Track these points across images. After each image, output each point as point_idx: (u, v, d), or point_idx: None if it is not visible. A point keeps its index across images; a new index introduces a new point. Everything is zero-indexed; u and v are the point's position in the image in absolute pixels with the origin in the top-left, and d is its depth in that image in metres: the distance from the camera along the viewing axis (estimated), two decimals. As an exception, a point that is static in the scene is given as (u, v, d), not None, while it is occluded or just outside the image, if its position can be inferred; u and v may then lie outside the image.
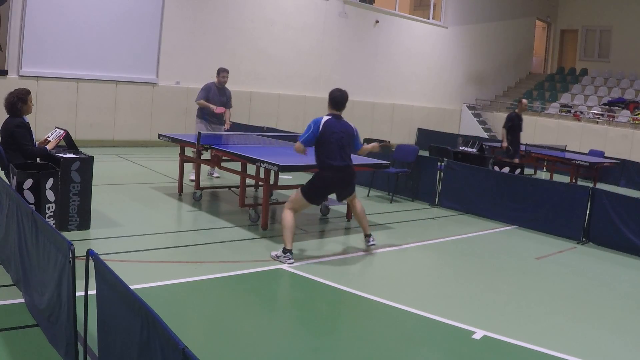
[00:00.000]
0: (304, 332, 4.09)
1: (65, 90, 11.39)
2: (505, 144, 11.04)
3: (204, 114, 8.93)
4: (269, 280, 5.08)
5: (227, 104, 9.12)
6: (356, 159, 7.63)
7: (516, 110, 11.18)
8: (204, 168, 9.10)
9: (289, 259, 5.43)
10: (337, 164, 5.62)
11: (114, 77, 12.03)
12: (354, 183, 6.02)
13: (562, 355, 3.88)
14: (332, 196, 7.87)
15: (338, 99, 5.82)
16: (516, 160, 10.70)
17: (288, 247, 5.46)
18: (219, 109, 8.82)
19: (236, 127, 12.61)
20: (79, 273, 2.90)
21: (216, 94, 8.92)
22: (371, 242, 6.05)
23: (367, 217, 6.15)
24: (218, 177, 9.42)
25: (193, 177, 8.61)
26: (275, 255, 5.51)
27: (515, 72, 23.30)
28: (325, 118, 5.70)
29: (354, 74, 16.95)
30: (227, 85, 9.14)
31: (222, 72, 8.99)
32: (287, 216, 5.59)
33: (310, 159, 7.60)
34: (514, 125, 10.98)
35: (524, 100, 11.67)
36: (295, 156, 7.46)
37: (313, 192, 5.71)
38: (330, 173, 5.65)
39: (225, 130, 9.06)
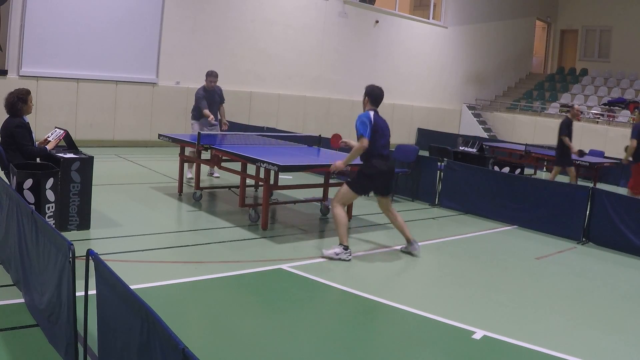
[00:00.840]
0: (304, 332, 4.09)
1: (65, 90, 11.39)
2: (575, 149, 10.25)
3: (197, 113, 8.97)
4: (269, 280, 5.08)
5: (220, 101, 9.20)
6: (357, 159, 7.64)
7: (568, 116, 10.29)
8: (204, 168, 9.10)
9: (349, 254, 5.60)
10: (386, 153, 5.80)
11: (114, 77, 12.03)
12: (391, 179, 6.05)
13: (562, 355, 3.87)
14: (332, 196, 7.88)
15: (378, 96, 5.96)
16: (572, 169, 10.11)
17: (345, 244, 5.62)
18: (211, 117, 8.84)
19: (236, 127, 12.62)
20: (79, 273, 2.90)
21: (210, 98, 8.97)
22: (416, 248, 6.06)
23: (406, 225, 6.16)
24: (218, 177, 9.42)
25: (190, 175, 8.62)
26: (334, 252, 5.61)
27: (515, 72, 23.30)
28: (372, 113, 5.82)
29: (354, 74, 16.95)
30: (226, 86, 9.16)
31: (210, 77, 8.98)
32: (339, 212, 5.72)
33: (310, 158, 7.61)
34: (569, 132, 10.14)
35: (577, 107, 10.78)
36: (295, 156, 7.48)
37: (362, 183, 5.81)
38: (380, 161, 5.74)
39: (222, 131, 9.09)
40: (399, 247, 6.43)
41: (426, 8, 19.72)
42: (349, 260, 5.62)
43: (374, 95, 5.93)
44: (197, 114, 8.98)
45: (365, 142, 5.62)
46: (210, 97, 8.96)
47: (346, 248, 5.63)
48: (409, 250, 6.10)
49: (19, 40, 10.77)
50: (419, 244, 6.13)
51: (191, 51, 13.18)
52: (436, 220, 8.04)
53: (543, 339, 4.12)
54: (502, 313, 4.71)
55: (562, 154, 10.11)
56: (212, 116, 8.79)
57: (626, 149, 9.28)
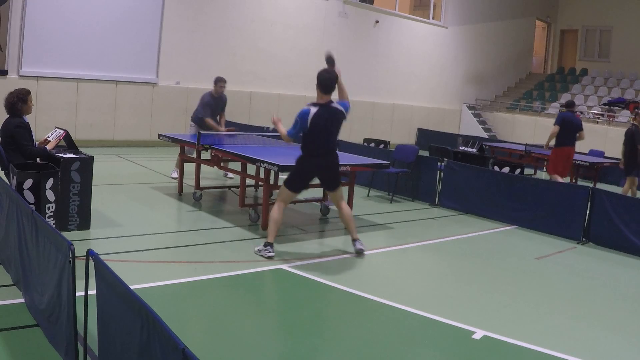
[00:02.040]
0: (304, 332, 4.09)
1: (65, 90, 11.39)
2: None
3: (200, 119, 8.83)
4: (269, 280, 5.08)
5: (222, 109, 9.15)
6: (356, 159, 7.65)
7: (635, 123, 9.66)
8: (204, 168, 9.09)
9: (270, 252, 5.49)
10: (322, 151, 5.67)
11: (114, 77, 12.03)
12: (338, 175, 5.91)
13: (562, 355, 3.87)
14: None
15: (326, 82, 5.54)
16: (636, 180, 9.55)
17: (270, 240, 5.54)
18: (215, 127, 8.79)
19: (236, 127, 12.62)
20: (79, 273, 2.90)
21: (215, 105, 8.88)
22: (358, 247, 5.90)
23: (354, 221, 6.02)
24: (232, 177, 9.33)
25: (175, 175, 8.52)
26: (257, 249, 5.57)
27: (515, 72, 23.30)
28: (313, 110, 5.50)
29: (354, 74, 16.93)
30: (226, 86, 9.16)
31: (220, 82, 8.90)
32: (274, 209, 5.67)
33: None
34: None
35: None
36: (295, 156, 7.46)
37: (294, 180, 5.73)
38: (312, 160, 5.68)
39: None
40: (399, 247, 6.44)
41: (426, 8, 19.72)
42: (271, 257, 5.47)
43: (320, 82, 5.53)
44: (198, 119, 8.88)
45: (284, 137, 5.68)
46: (215, 104, 8.90)
47: (266, 245, 5.52)
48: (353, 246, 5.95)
49: (19, 40, 10.77)
50: (427, 242, 6.11)
51: (191, 51, 13.18)
52: (436, 220, 8.04)
53: (543, 339, 4.12)
54: (502, 313, 4.71)
55: (633, 164, 9.42)
56: (216, 126, 8.71)
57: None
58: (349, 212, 5.97)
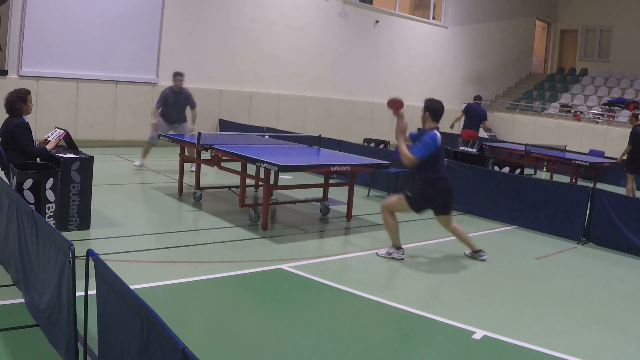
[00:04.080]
0: (304, 332, 4.09)
1: (65, 90, 11.38)
2: None
3: (163, 114, 9.45)
4: (269, 280, 5.08)
5: (185, 104, 9.55)
6: (356, 159, 7.66)
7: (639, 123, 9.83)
8: (204, 168, 9.09)
9: (401, 254, 5.88)
10: (444, 174, 5.82)
11: (114, 77, 12.02)
12: (452, 197, 6.03)
13: (562, 355, 3.88)
14: (332, 196, 7.89)
15: (440, 111, 5.74)
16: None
17: (398, 244, 5.89)
18: (155, 125, 9.40)
19: (236, 127, 12.63)
20: (79, 273, 2.90)
21: (172, 98, 9.35)
22: (482, 257, 6.14)
23: (469, 235, 6.25)
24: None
25: (138, 164, 9.35)
26: (387, 252, 5.90)
27: (515, 72, 23.30)
28: (438, 134, 5.67)
29: (354, 74, 16.95)
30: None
31: (178, 76, 9.43)
32: (389, 219, 5.85)
33: (310, 158, 7.61)
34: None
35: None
36: (295, 156, 7.48)
37: (422, 202, 5.78)
38: (442, 184, 5.79)
39: (190, 131, 9.37)
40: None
41: (426, 8, 19.71)
42: (402, 259, 5.85)
43: (435, 110, 5.70)
44: (161, 112, 9.47)
45: (414, 161, 5.57)
46: (175, 98, 9.37)
47: (398, 248, 5.90)
48: (474, 256, 6.19)
49: (19, 40, 10.77)
50: (427, 242, 6.14)
51: (191, 51, 13.17)
52: (436, 220, 8.01)
53: (543, 339, 4.12)
54: (502, 313, 4.71)
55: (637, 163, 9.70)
56: (153, 122, 9.38)
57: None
58: (463, 231, 6.18)
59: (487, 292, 5.23)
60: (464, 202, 8.49)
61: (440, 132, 5.78)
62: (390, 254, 5.90)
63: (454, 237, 7.12)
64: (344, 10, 16.39)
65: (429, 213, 8.41)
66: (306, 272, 5.23)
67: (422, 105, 5.86)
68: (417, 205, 5.79)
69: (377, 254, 5.97)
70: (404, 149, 5.62)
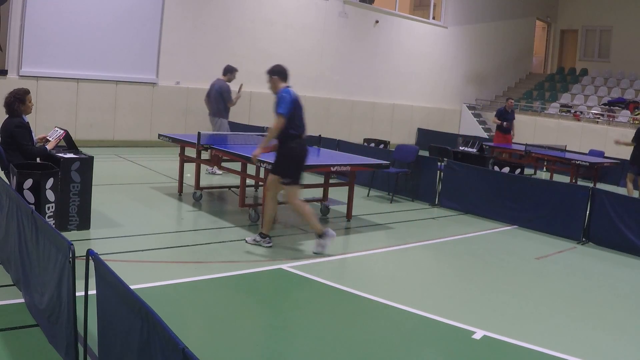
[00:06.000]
0: (304, 332, 4.09)
1: (65, 90, 11.39)
2: None
3: (228, 113, 9.79)
4: (269, 280, 5.08)
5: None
6: (356, 159, 7.66)
7: None
8: (204, 168, 9.10)
9: (326, 242, 5.69)
10: (304, 131, 5.68)
11: (114, 77, 12.03)
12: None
13: (562, 355, 3.87)
14: (332, 196, 7.89)
15: (285, 70, 5.80)
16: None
17: (320, 231, 5.69)
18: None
19: (237, 127, 12.62)
20: (79, 273, 2.90)
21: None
22: (258, 241, 5.84)
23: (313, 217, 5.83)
24: (220, 174, 9.39)
25: (218, 172, 9.24)
26: (318, 242, 5.69)
27: (515, 72, 23.30)
28: (291, 89, 5.65)
29: (354, 74, 16.95)
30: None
31: (235, 71, 10.10)
32: (301, 205, 5.70)
33: (310, 158, 7.60)
34: None
35: None
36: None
37: (290, 167, 5.61)
38: (301, 141, 5.65)
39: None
40: (399, 247, 6.44)
41: (426, 8, 19.72)
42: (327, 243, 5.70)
43: (282, 72, 5.74)
44: (226, 112, 9.62)
45: (281, 118, 5.45)
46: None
47: (265, 236, 5.73)
48: (259, 242, 5.86)
49: (19, 40, 10.77)
50: (427, 242, 6.13)
51: (191, 51, 13.18)
52: (436, 220, 8.03)
53: (543, 339, 4.12)
54: (502, 313, 4.71)
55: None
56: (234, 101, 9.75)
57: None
58: (309, 208, 5.87)
59: (487, 292, 5.23)
60: (464, 202, 8.49)
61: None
62: (257, 241, 5.77)
63: (453, 237, 7.13)
64: (344, 10, 16.39)
65: (430, 213, 8.43)
66: (306, 272, 5.22)
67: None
68: (295, 175, 5.59)
69: (245, 240, 5.85)
70: (267, 138, 5.66)
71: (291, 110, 5.51)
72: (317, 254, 5.70)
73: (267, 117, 14.58)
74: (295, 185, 5.67)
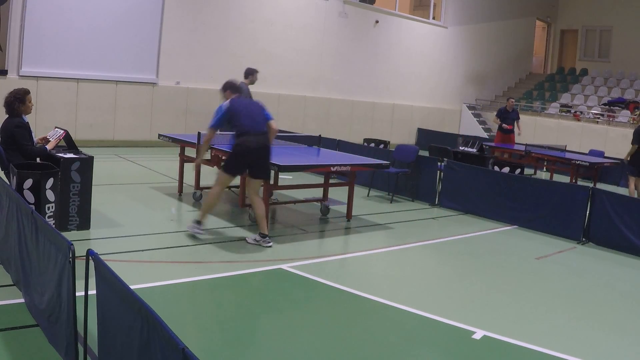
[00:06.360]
0: (304, 332, 4.09)
1: (65, 90, 11.39)
2: None
3: None
4: (269, 280, 5.08)
5: None
6: (356, 159, 7.66)
7: None
8: (205, 168, 9.08)
9: (199, 230, 5.91)
10: (249, 130, 5.81)
11: (114, 77, 12.02)
12: (268, 165, 5.97)
13: (562, 355, 3.88)
14: (332, 196, 7.89)
15: (236, 84, 6.23)
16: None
17: (202, 219, 5.92)
18: None
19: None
20: (79, 273, 2.90)
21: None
22: (268, 244, 5.84)
23: (265, 220, 5.92)
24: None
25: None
26: (194, 226, 5.93)
27: (515, 72, 23.30)
28: (227, 102, 5.95)
29: (354, 74, 16.95)
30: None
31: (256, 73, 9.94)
32: (211, 192, 5.96)
33: (310, 158, 7.62)
34: None
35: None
36: (295, 156, 7.48)
37: (233, 162, 5.89)
38: (249, 139, 5.78)
39: None
40: (399, 247, 6.44)
41: (426, 8, 19.71)
42: (200, 234, 5.91)
43: (233, 87, 6.15)
44: None
45: (210, 130, 5.91)
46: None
47: (199, 223, 5.91)
48: (259, 242, 5.89)
49: (19, 40, 10.77)
50: (427, 242, 6.12)
51: (191, 51, 13.17)
52: (436, 220, 8.04)
53: (543, 339, 4.12)
54: (502, 313, 4.71)
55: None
56: None
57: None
58: (262, 212, 5.89)
59: (487, 292, 5.23)
60: (464, 202, 8.49)
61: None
62: (257, 240, 5.86)
63: (454, 237, 7.13)
64: (344, 10, 16.39)
65: (430, 213, 8.43)
66: (306, 272, 5.23)
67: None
68: (229, 166, 5.87)
69: (246, 240, 5.93)
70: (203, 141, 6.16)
71: (222, 120, 5.90)
72: (193, 236, 5.90)
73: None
74: (225, 173, 5.90)
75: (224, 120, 5.89)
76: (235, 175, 5.99)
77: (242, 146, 5.81)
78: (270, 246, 5.83)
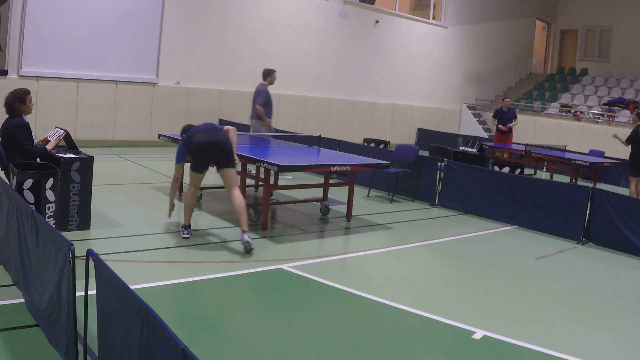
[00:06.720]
0: (304, 332, 4.09)
1: (65, 90, 11.39)
2: None
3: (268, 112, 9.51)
4: (269, 280, 5.08)
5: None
6: (356, 159, 7.66)
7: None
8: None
9: (185, 233, 5.94)
10: (203, 128, 5.95)
11: (114, 77, 12.03)
12: (231, 155, 5.96)
13: (562, 355, 3.88)
14: (332, 196, 7.89)
15: (187, 126, 6.21)
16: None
17: (185, 223, 5.97)
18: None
19: (236, 127, 12.62)
20: (79, 273, 2.90)
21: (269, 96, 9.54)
22: (246, 239, 5.60)
23: (246, 214, 5.79)
24: (290, 177, 9.36)
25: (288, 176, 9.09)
26: (183, 232, 6.00)
27: (515, 72, 23.30)
28: (180, 145, 6.12)
29: (354, 74, 16.95)
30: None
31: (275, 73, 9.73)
32: (186, 193, 6.04)
33: (310, 158, 7.62)
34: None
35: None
36: (295, 156, 7.48)
37: (194, 159, 5.98)
38: (196, 137, 5.85)
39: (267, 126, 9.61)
40: (399, 247, 6.44)
41: (426, 8, 19.71)
42: (187, 237, 5.91)
43: (186, 129, 6.17)
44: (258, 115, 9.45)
45: (177, 167, 6.15)
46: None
47: (186, 227, 5.97)
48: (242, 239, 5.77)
49: (19, 40, 10.77)
50: (427, 242, 6.12)
51: (191, 51, 13.18)
52: (436, 220, 8.04)
53: (543, 339, 4.13)
54: (502, 313, 4.71)
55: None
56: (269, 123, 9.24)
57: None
58: (240, 203, 5.83)
59: (487, 292, 5.23)
60: (464, 202, 8.49)
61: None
62: (183, 236, 5.95)
63: (453, 237, 7.13)
64: (344, 10, 16.39)
65: (430, 213, 8.44)
66: (306, 272, 5.23)
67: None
68: (193, 164, 5.97)
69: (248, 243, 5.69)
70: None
71: (183, 153, 6.08)
72: (183, 238, 5.91)
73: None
74: (193, 172, 5.97)
75: (184, 152, 6.07)
76: (202, 171, 6.01)
77: (195, 144, 5.89)
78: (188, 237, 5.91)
